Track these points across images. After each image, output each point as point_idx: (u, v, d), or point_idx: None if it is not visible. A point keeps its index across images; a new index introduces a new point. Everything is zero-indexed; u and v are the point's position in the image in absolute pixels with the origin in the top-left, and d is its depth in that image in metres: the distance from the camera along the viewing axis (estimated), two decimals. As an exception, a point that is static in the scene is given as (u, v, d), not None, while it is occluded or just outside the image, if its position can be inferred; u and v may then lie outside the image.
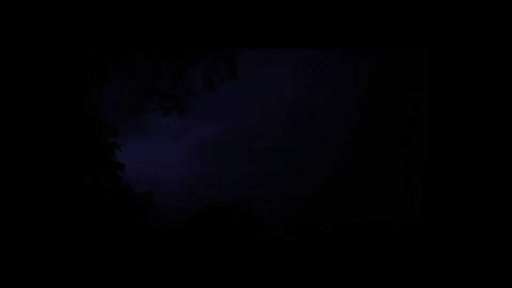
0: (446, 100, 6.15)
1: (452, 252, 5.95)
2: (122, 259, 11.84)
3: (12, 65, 5.89)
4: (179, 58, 9.67)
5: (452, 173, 6.11)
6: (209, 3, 6.82)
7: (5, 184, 5.70)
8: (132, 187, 16.69)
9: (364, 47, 8.95)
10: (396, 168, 20.60)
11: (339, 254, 14.02)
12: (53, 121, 6.04)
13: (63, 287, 5.75)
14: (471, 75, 6.12)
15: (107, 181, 15.36)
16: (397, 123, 20.84)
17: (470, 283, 5.83)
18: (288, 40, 7.27)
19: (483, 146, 6.02)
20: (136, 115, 10.46)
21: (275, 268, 12.86)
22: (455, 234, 5.96)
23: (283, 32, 7.07)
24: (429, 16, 6.33)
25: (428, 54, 6.38)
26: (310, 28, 7.02)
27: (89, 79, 8.75)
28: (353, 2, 6.75)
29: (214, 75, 9.98)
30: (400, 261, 11.44)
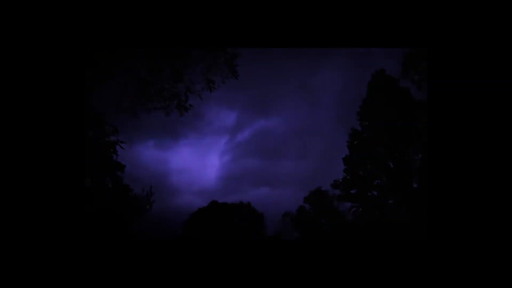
0: (446, 99, 6.13)
1: (452, 252, 5.93)
2: (122, 258, 11.83)
3: (11, 64, 5.87)
4: (179, 58, 9.66)
5: (452, 173, 6.09)
6: (209, 3, 6.80)
7: (4, 184, 5.68)
8: (132, 187, 16.69)
9: (364, 47, 8.91)
10: (397, 168, 20.60)
11: (339, 254, 14.02)
12: (53, 120, 6.02)
13: (62, 286, 5.73)
14: (472, 74, 6.10)
15: (107, 181, 15.36)
16: (397, 123, 20.83)
17: (470, 283, 5.81)
18: (288, 40, 7.25)
19: (483, 146, 6.00)
20: (137, 114, 10.45)
21: (275, 268, 12.87)
22: (455, 234, 5.94)
23: (284, 32, 7.05)
24: (430, 14, 6.32)
25: (428, 53, 6.36)
26: (311, 28, 7.00)
27: (89, 78, 8.74)
28: (353, 2, 6.73)
29: (215, 75, 9.96)
30: (400, 261, 11.44)
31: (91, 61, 8.28)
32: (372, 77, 22.17)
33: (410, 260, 10.61)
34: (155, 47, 9.02)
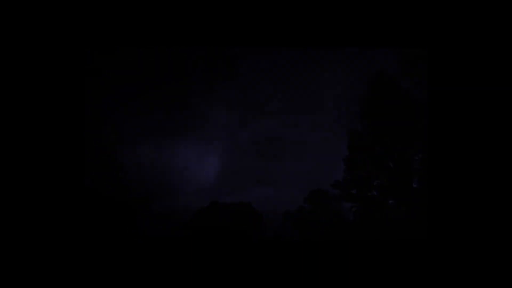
0: (446, 99, 6.13)
1: (452, 252, 5.93)
2: (122, 258, 11.82)
3: (12, 66, 5.88)
4: (180, 57, 9.66)
5: (452, 173, 6.09)
6: (209, 3, 6.80)
7: (5, 184, 5.68)
8: (132, 187, 16.68)
9: (365, 47, 8.92)
10: (396, 168, 20.59)
11: (339, 254, 14.02)
12: (53, 120, 6.02)
13: (62, 285, 5.73)
14: (471, 75, 6.10)
15: (107, 181, 15.35)
16: (397, 123, 20.82)
17: (470, 283, 5.81)
18: (288, 40, 7.26)
19: (483, 146, 6.00)
20: (137, 114, 10.44)
21: (275, 268, 12.86)
22: (455, 234, 5.94)
23: (284, 32, 7.05)
24: (430, 16, 6.32)
25: (428, 54, 6.36)
26: (311, 28, 7.01)
27: (89, 78, 8.73)
28: (354, 2, 6.73)
29: (215, 75, 9.96)
30: (400, 261, 11.43)
31: (91, 61, 8.28)
32: (372, 77, 22.14)
33: (410, 260, 10.60)
34: (155, 47, 9.02)
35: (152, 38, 7.20)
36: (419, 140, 19.55)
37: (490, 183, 5.93)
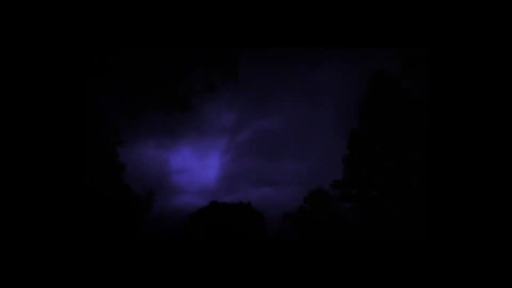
0: (446, 100, 6.12)
1: (452, 252, 5.92)
2: (122, 258, 11.83)
3: (11, 66, 5.87)
4: (180, 57, 9.65)
5: (452, 173, 6.08)
6: (209, 3, 6.79)
7: (4, 184, 5.67)
8: (132, 187, 16.71)
9: (365, 47, 8.91)
10: (396, 168, 20.60)
11: (339, 254, 14.03)
12: (53, 120, 6.01)
13: (62, 286, 5.73)
14: (472, 75, 6.09)
15: (107, 181, 15.37)
16: (397, 123, 20.83)
17: (470, 283, 5.80)
18: (288, 39, 7.26)
19: (483, 146, 5.99)
20: (137, 114, 10.45)
21: (275, 268, 12.87)
22: (455, 234, 5.93)
23: (284, 32, 7.05)
24: (430, 15, 6.32)
25: (428, 54, 6.36)
26: (311, 28, 7.00)
27: (89, 78, 8.73)
28: (354, 2, 6.73)
29: (215, 75, 9.96)
30: (400, 261, 11.44)
31: (91, 61, 8.28)
32: (372, 77, 22.17)
33: (410, 260, 10.61)
34: (155, 47, 9.02)
35: (152, 38, 7.19)
36: (419, 140, 19.54)
37: (491, 183, 5.92)
